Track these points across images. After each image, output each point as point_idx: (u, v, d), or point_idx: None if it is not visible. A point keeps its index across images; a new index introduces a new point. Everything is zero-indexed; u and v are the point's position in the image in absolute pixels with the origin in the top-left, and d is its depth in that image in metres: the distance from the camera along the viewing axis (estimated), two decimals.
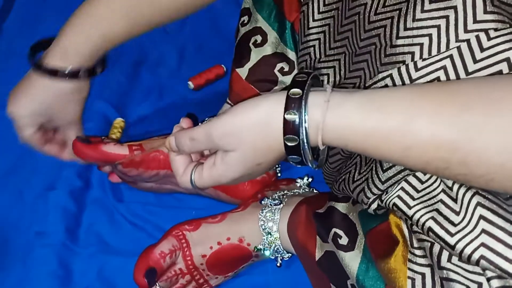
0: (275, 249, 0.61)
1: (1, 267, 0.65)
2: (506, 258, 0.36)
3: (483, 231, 0.37)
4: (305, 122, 0.38)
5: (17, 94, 0.59)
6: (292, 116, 0.38)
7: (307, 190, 0.67)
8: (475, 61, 0.38)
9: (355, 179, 0.49)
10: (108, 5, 0.56)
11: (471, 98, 0.34)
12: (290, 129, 0.38)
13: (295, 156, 0.40)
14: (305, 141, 0.38)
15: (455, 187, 0.39)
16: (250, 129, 0.40)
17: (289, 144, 0.39)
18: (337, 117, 0.37)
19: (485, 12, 0.38)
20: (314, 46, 0.55)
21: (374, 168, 0.45)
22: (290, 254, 0.62)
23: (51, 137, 0.64)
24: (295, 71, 0.64)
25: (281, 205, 0.62)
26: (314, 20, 0.54)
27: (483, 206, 0.37)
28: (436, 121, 0.34)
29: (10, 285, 0.64)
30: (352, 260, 0.49)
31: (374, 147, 0.37)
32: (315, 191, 0.67)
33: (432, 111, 0.34)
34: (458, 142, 0.33)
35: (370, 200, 0.46)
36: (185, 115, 0.52)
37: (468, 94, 0.34)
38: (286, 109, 0.38)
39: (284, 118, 0.38)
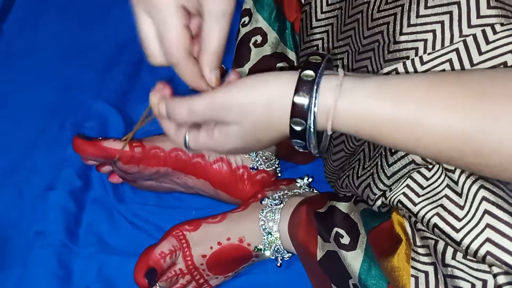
0: (276, 249, 0.61)
1: (1, 267, 0.65)
2: None
3: (488, 225, 0.37)
4: (315, 106, 0.36)
5: None
6: (302, 100, 0.36)
7: (307, 190, 0.67)
8: (481, 53, 0.38)
9: (359, 175, 0.48)
10: None
11: (485, 89, 0.33)
12: (298, 112, 0.37)
13: (299, 141, 0.38)
14: (312, 126, 0.37)
15: (461, 180, 0.39)
16: (256, 106, 0.38)
17: (295, 127, 0.37)
18: (349, 104, 0.36)
19: (488, 7, 0.38)
20: (317, 45, 0.55)
21: (379, 163, 0.45)
22: (291, 254, 0.62)
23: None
24: None
25: (282, 205, 0.62)
26: (317, 20, 0.54)
27: (488, 201, 0.37)
28: (450, 111, 0.33)
29: (10, 285, 0.64)
30: (354, 260, 0.49)
31: (385, 136, 0.36)
32: (315, 191, 0.67)
33: (446, 101, 0.34)
34: (472, 133, 0.33)
35: (376, 196, 0.46)
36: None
37: (482, 85, 0.34)
38: (297, 91, 0.36)
39: (293, 100, 0.37)
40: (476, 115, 0.33)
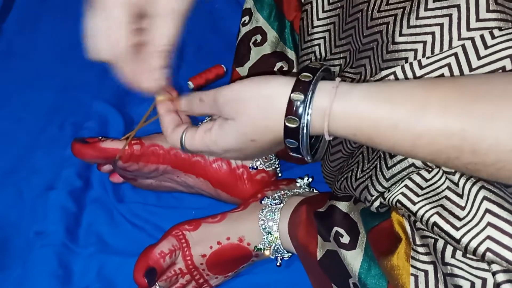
0: (275, 248, 0.61)
1: (1, 267, 0.65)
2: None
3: (489, 224, 0.37)
4: (310, 104, 0.37)
5: None
6: (298, 97, 0.37)
7: (307, 190, 0.67)
8: (479, 57, 0.38)
9: (358, 177, 0.48)
10: None
11: (482, 91, 0.34)
12: (293, 110, 0.38)
13: (292, 140, 0.39)
14: (305, 124, 0.38)
15: (461, 182, 0.39)
16: (253, 101, 0.40)
17: (289, 125, 0.38)
18: (345, 105, 0.37)
19: (488, 11, 0.38)
20: (319, 44, 0.55)
21: (378, 165, 0.45)
22: (290, 254, 0.62)
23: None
24: (295, 70, 0.64)
25: (281, 204, 0.62)
26: (318, 19, 0.54)
27: (489, 200, 0.37)
28: (447, 110, 0.34)
29: (10, 285, 0.64)
30: (354, 259, 0.49)
31: (383, 136, 0.36)
32: (315, 191, 0.67)
33: (443, 101, 0.34)
34: (469, 130, 0.33)
35: (373, 197, 0.46)
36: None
37: (478, 88, 0.34)
38: (293, 90, 0.38)
39: (289, 97, 0.38)
40: (473, 113, 0.33)
